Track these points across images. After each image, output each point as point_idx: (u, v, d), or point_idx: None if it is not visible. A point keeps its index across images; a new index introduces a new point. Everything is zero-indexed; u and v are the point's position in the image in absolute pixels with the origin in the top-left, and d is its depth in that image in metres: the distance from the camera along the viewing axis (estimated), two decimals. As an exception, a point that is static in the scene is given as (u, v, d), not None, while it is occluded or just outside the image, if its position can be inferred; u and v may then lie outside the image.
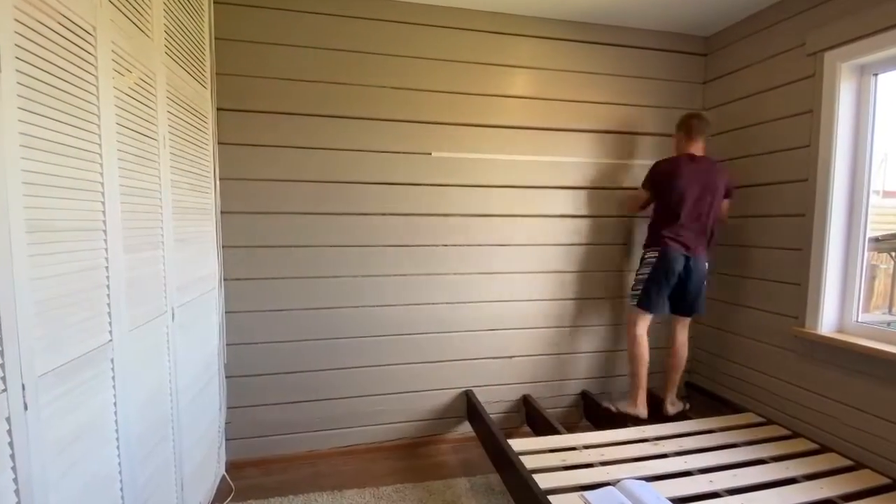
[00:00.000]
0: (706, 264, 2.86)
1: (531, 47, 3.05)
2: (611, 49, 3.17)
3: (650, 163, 3.25)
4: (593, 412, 3.21)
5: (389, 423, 3.06)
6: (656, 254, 2.82)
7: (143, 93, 1.66)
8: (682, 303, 2.87)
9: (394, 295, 2.97)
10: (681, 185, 2.77)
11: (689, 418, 2.87)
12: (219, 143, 2.62)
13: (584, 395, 3.32)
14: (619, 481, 2.13)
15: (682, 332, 2.98)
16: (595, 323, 3.32)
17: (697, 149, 2.86)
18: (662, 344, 3.27)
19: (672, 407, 3.03)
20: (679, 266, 2.78)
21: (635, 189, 3.18)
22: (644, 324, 2.91)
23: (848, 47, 2.44)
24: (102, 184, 1.37)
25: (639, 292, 2.88)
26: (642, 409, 2.90)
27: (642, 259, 2.94)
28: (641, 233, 3.31)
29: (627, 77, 3.21)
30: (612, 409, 2.96)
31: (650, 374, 2.98)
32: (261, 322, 2.81)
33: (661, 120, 3.28)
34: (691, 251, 2.78)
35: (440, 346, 3.08)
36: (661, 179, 2.86)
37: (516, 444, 2.47)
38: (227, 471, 2.72)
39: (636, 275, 2.96)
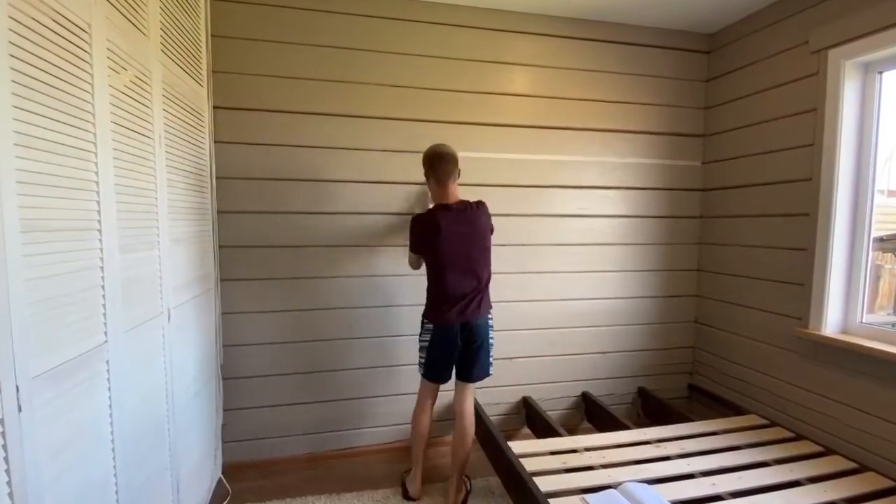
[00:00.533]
0: (488, 323, 2.52)
1: (531, 44, 3.06)
2: (612, 46, 3.17)
3: (653, 162, 3.28)
4: (595, 414, 3.21)
5: (388, 426, 3.06)
6: (431, 326, 2.47)
7: (138, 91, 1.66)
8: (463, 369, 2.52)
9: (392, 295, 2.97)
10: (441, 244, 2.38)
11: (692, 420, 2.87)
12: (215, 142, 2.62)
13: (585, 397, 3.32)
14: (620, 484, 2.13)
15: (467, 400, 2.55)
16: (596, 324, 3.33)
17: (450, 194, 2.46)
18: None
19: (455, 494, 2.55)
20: (456, 338, 2.43)
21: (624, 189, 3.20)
22: (426, 392, 2.60)
23: (852, 45, 2.44)
24: (98, 183, 1.37)
25: (422, 360, 2.53)
26: (413, 488, 2.62)
27: (422, 325, 2.53)
28: (649, 232, 3.32)
29: (629, 75, 3.21)
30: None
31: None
32: (257, 323, 2.81)
33: (664, 118, 3.28)
34: (467, 318, 2.43)
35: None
36: (422, 239, 2.47)
37: (516, 446, 2.47)
38: (223, 473, 2.72)
39: (419, 340, 2.55)
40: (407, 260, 2.73)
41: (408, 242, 2.58)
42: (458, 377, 2.54)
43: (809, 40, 2.64)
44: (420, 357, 2.54)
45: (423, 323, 2.53)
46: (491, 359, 2.54)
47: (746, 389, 3.08)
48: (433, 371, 2.52)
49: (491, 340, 2.53)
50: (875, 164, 2.52)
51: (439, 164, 2.42)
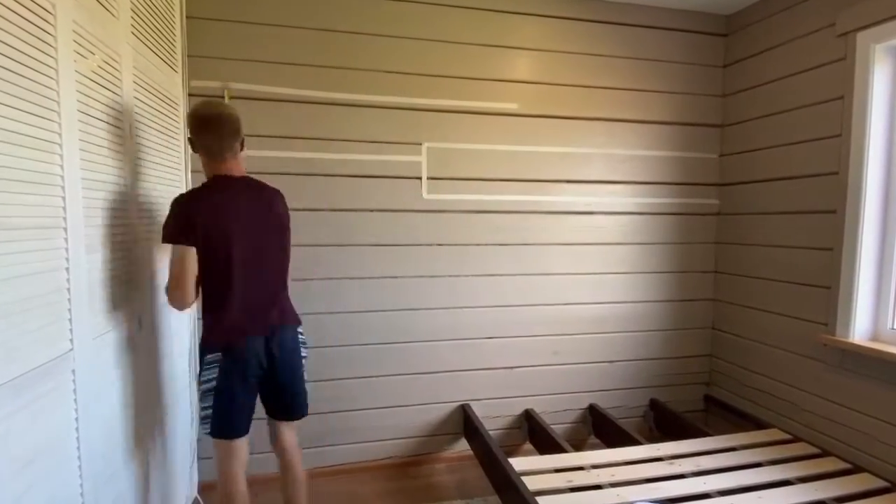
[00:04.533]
0: (298, 336, 2.15)
1: (535, 27, 3.07)
2: (622, 29, 3.19)
3: (666, 154, 3.29)
4: (603, 428, 3.23)
5: (379, 440, 3.06)
6: (219, 354, 1.92)
7: (107, 77, 1.67)
8: (277, 403, 2.15)
9: (383, 299, 2.97)
10: (226, 232, 1.90)
11: (708, 434, 2.88)
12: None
13: (593, 410, 3.34)
14: (630, 504, 2.14)
15: (289, 436, 2.22)
16: (604, 330, 3.34)
17: (234, 167, 2.02)
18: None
19: None
20: (259, 357, 1.98)
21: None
22: (233, 458, 2.00)
23: (882, 27, 2.45)
24: (63, 177, 1.38)
25: (209, 415, 1.94)
26: None
27: (202, 363, 1.95)
28: (661, 230, 3.34)
29: (640, 60, 3.23)
30: None
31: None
32: (237, 329, 2.80)
33: (678, 107, 3.30)
34: (269, 328, 2.01)
35: (434, 355, 3.09)
36: (190, 223, 1.85)
37: (518, 463, 2.48)
38: (199, 493, 2.73)
39: (199, 385, 1.98)
40: (168, 284, 1.91)
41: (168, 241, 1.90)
42: (272, 414, 2.18)
43: (836, 22, 2.65)
44: (203, 409, 1.95)
45: (202, 356, 1.95)
46: (306, 385, 2.19)
47: (767, 401, 3.10)
48: (225, 423, 1.96)
49: (304, 362, 2.17)
50: (906, 157, 2.54)
51: (215, 129, 1.94)
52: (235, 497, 2.00)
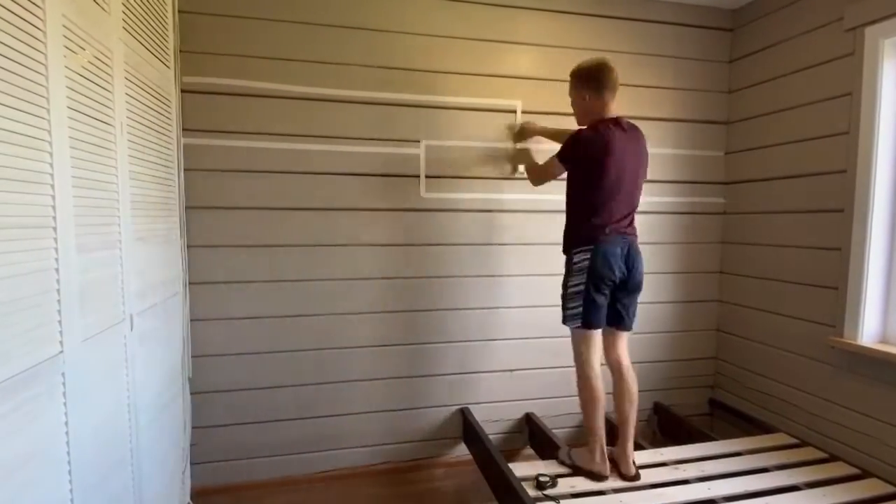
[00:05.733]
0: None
1: (536, 22, 3.07)
2: (625, 23, 3.19)
3: (671, 152, 3.29)
4: (605, 432, 3.21)
5: (376, 445, 3.06)
6: (589, 254, 2.38)
7: (98, 73, 1.66)
8: (619, 310, 2.49)
9: (380, 300, 2.97)
10: (614, 162, 2.36)
11: (713, 439, 2.88)
12: (183, 130, 2.62)
13: (596, 414, 3.33)
14: (633, 510, 2.15)
15: (622, 348, 2.58)
16: (608, 332, 3.33)
17: (615, 109, 2.51)
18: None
19: (631, 466, 2.50)
20: (620, 261, 2.38)
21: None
22: (594, 349, 2.48)
23: (892, 21, 2.46)
24: (52, 175, 1.37)
25: (578, 309, 2.41)
26: (602, 465, 2.49)
27: (571, 264, 2.46)
28: (665, 229, 3.33)
29: (643, 55, 3.23)
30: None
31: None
32: (231, 331, 2.81)
33: (682, 103, 3.30)
34: (629, 238, 2.44)
35: (432, 358, 3.09)
36: (591, 156, 2.40)
37: (518, 468, 2.48)
38: (192, 499, 2.73)
39: (567, 287, 2.47)
40: (535, 175, 2.79)
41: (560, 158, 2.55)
42: (610, 322, 2.50)
43: (844, 16, 2.66)
44: (572, 306, 2.43)
45: (572, 257, 2.46)
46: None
47: (774, 405, 3.10)
48: (590, 315, 2.40)
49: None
50: (916, 155, 2.54)
51: (609, 74, 2.45)
52: (591, 378, 2.48)
